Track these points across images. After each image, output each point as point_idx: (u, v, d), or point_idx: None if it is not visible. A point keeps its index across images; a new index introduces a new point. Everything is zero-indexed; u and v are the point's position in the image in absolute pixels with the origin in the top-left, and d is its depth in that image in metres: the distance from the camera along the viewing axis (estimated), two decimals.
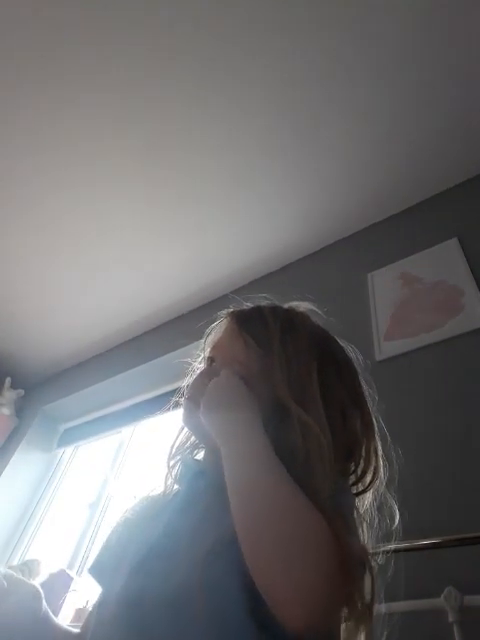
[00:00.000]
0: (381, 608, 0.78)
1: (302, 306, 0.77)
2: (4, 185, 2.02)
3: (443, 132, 1.64)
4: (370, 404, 0.66)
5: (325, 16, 1.42)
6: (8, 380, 2.87)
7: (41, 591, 0.59)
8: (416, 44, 1.45)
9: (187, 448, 0.68)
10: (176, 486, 0.64)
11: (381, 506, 0.61)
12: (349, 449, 0.59)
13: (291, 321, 0.68)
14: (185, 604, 0.44)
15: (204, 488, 0.57)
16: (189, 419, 0.62)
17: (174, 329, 2.44)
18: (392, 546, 0.86)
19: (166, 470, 0.65)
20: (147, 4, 1.44)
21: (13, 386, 2.87)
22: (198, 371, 0.68)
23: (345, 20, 1.42)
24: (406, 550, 0.85)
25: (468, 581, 0.82)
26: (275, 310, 0.71)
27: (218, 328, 0.73)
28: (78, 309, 2.58)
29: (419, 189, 1.80)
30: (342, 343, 0.72)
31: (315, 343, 0.65)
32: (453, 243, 1.54)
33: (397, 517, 0.61)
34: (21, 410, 2.86)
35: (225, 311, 0.76)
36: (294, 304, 0.77)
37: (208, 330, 0.76)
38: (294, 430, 0.52)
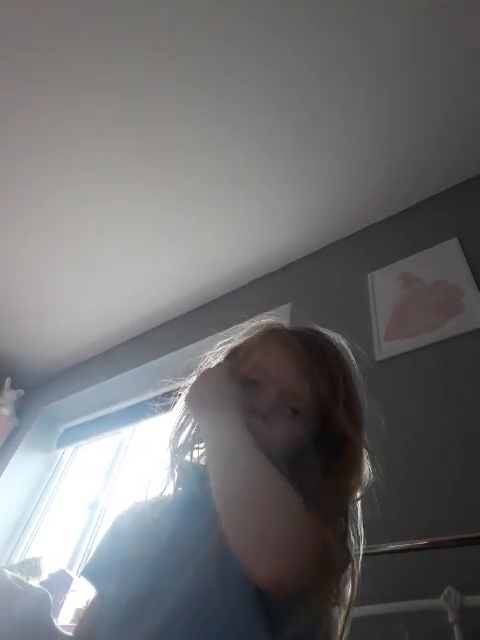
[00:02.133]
0: (381, 608, 0.78)
1: (266, 322, 0.75)
2: (4, 185, 2.02)
3: (443, 132, 1.64)
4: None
5: (325, 16, 1.42)
6: (8, 380, 2.87)
7: (50, 596, 0.60)
8: (416, 44, 1.45)
9: (188, 447, 0.66)
10: (179, 488, 0.64)
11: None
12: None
13: (338, 356, 0.69)
14: (202, 602, 0.46)
15: (208, 495, 0.56)
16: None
17: (174, 329, 2.44)
18: (392, 546, 0.86)
19: (168, 471, 0.64)
20: (147, 4, 1.44)
21: (13, 386, 2.87)
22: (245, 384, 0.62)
23: (345, 20, 1.42)
24: (406, 550, 0.85)
25: (468, 581, 0.82)
26: (326, 344, 0.69)
27: (270, 346, 0.66)
28: (78, 309, 2.58)
29: (419, 189, 1.80)
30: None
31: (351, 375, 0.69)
32: (453, 243, 1.54)
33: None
34: (21, 410, 2.86)
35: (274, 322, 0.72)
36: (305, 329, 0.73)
37: (249, 332, 0.71)
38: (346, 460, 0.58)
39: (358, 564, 0.55)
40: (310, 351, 0.64)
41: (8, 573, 0.53)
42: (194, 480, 0.61)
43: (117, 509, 0.68)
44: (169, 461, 0.64)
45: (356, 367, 0.70)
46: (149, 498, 0.64)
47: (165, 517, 0.58)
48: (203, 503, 0.55)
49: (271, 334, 0.70)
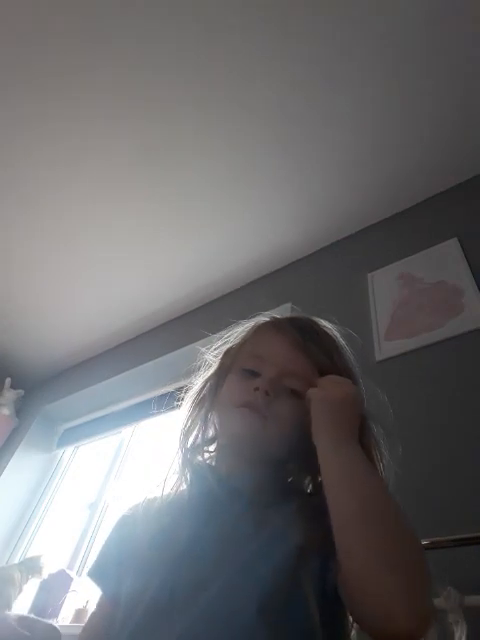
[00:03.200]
0: None
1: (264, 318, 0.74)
2: (4, 186, 2.02)
3: (443, 132, 1.64)
4: None
5: (326, 13, 1.42)
6: (8, 380, 2.87)
7: (59, 632, 0.58)
8: (417, 44, 1.45)
9: (199, 448, 0.64)
10: (183, 487, 0.62)
11: None
12: None
13: (330, 334, 0.70)
14: (227, 625, 0.44)
15: (228, 498, 0.56)
16: (253, 431, 0.57)
17: (174, 329, 2.44)
18: None
19: (180, 472, 0.62)
20: (146, 2, 1.44)
21: (13, 386, 2.87)
22: (260, 385, 0.59)
23: (347, 19, 1.42)
24: None
25: (468, 581, 0.82)
26: (316, 324, 0.70)
27: (290, 346, 0.63)
28: (78, 309, 2.58)
29: (419, 189, 1.80)
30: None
31: None
32: (453, 243, 1.54)
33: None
34: (21, 410, 2.86)
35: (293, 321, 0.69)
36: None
37: (261, 330, 0.69)
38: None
39: None
40: (302, 331, 0.64)
41: (11, 617, 0.52)
42: (214, 482, 0.57)
43: (120, 508, 0.65)
44: (180, 461, 0.62)
45: (352, 352, 0.71)
46: (157, 497, 0.61)
47: (180, 521, 0.56)
48: (222, 509, 0.54)
49: (263, 324, 0.70)
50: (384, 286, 1.61)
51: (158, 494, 0.61)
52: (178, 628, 0.44)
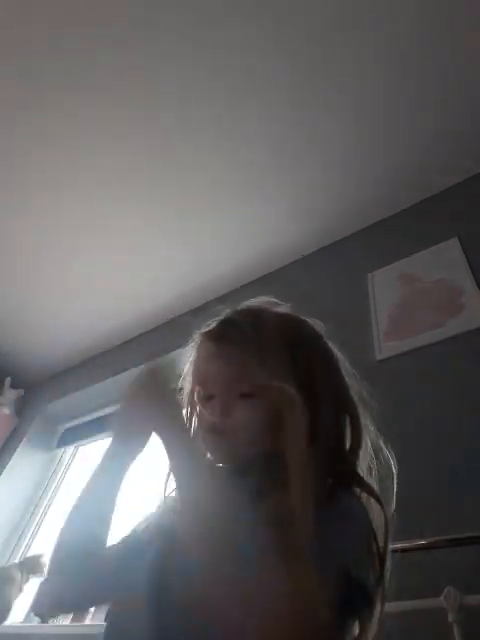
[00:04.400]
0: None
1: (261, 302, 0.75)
2: (4, 186, 2.02)
3: (443, 132, 1.64)
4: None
5: (328, 13, 1.42)
6: (8, 380, 2.87)
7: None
8: (417, 43, 1.45)
9: None
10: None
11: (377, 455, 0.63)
12: None
13: (282, 324, 0.67)
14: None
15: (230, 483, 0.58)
16: (222, 453, 0.60)
17: (174, 329, 2.44)
18: (392, 546, 0.86)
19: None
20: (146, 10, 1.44)
21: (13, 386, 2.87)
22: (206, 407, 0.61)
23: (347, 19, 1.42)
24: (406, 550, 0.85)
25: (468, 581, 0.82)
26: (264, 315, 0.68)
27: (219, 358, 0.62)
28: (78, 309, 2.58)
29: (419, 189, 1.80)
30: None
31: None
32: (453, 243, 1.54)
33: (394, 465, 0.63)
34: (21, 410, 2.86)
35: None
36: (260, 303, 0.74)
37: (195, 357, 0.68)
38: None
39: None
40: (234, 330, 0.62)
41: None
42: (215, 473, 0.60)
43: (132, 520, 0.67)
44: None
45: (324, 342, 0.68)
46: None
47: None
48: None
49: (199, 342, 0.69)
50: (384, 286, 1.61)
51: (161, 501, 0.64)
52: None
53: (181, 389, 0.69)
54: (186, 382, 0.69)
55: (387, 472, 0.62)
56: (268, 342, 0.60)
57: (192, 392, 0.67)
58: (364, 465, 0.60)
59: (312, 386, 0.58)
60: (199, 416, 0.64)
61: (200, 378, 0.65)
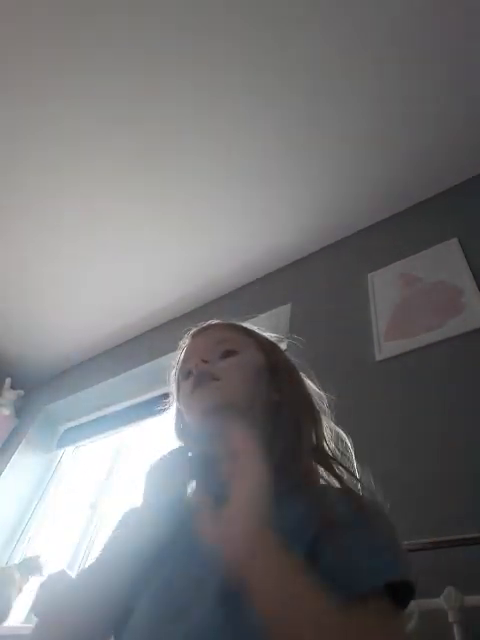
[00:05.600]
0: None
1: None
2: (5, 186, 2.02)
3: (443, 132, 1.64)
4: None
5: (331, 13, 1.42)
6: (8, 380, 2.87)
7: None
8: (417, 42, 1.45)
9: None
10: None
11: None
12: None
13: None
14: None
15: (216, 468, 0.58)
16: (211, 397, 0.61)
17: (174, 329, 2.43)
18: None
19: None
20: (147, 6, 1.44)
21: (13, 386, 2.87)
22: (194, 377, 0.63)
23: (348, 19, 1.42)
24: (406, 550, 0.85)
25: (468, 581, 0.82)
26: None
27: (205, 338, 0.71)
28: (78, 309, 2.58)
29: (419, 189, 1.80)
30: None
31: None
32: (453, 243, 1.54)
33: (349, 442, 0.66)
34: (21, 410, 2.86)
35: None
36: None
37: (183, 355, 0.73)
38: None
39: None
40: (216, 323, 0.74)
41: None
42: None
43: (124, 505, 0.67)
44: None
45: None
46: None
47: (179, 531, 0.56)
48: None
49: (183, 342, 0.76)
50: (384, 286, 1.61)
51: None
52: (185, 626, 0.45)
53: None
54: (174, 381, 0.73)
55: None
56: (241, 325, 0.73)
57: (178, 382, 0.70)
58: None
59: (278, 363, 0.68)
60: (184, 389, 0.65)
61: (182, 360, 0.70)
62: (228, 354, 0.64)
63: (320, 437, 0.62)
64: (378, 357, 1.39)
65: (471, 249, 1.47)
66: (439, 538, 0.87)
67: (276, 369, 0.66)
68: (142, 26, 1.49)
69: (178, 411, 0.70)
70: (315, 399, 0.67)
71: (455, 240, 1.54)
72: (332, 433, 0.65)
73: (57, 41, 1.55)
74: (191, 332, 0.75)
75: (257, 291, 2.18)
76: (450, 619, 0.77)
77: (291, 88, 1.59)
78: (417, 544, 0.87)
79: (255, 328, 0.75)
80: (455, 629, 0.76)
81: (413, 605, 0.80)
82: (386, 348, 1.40)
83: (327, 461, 0.60)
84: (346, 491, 0.55)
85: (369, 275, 1.68)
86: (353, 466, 0.63)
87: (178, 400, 0.69)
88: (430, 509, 0.99)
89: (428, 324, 1.37)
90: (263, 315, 1.88)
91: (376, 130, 1.67)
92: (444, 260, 1.52)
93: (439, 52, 1.46)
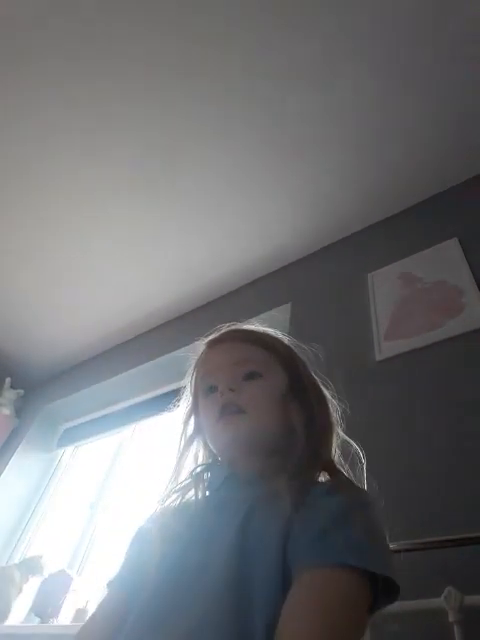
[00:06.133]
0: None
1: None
2: (6, 187, 2.02)
3: (443, 132, 1.64)
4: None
5: (325, 11, 1.42)
6: (8, 380, 2.87)
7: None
8: (416, 43, 1.45)
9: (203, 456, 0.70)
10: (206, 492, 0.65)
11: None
12: None
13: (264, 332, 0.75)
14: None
15: (235, 488, 0.60)
16: (237, 431, 0.61)
17: (174, 329, 2.44)
18: (392, 546, 0.86)
19: (191, 480, 0.65)
20: (146, 12, 1.44)
21: (13, 386, 2.87)
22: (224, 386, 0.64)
23: (347, 14, 1.42)
24: (406, 550, 0.85)
25: (468, 581, 0.82)
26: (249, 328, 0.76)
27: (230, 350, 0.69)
28: (78, 309, 2.58)
29: (419, 189, 1.80)
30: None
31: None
32: (453, 243, 1.53)
33: (361, 453, 0.67)
34: (21, 410, 2.86)
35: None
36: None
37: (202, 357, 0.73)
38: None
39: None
40: (227, 333, 0.72)
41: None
42: (222, 482, 0.63)
43: (139, 520, 0.67)
44: (191, 474, 0.66)
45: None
46: (170, 505, 0.64)
47: (197, 521, 0.58)
48: (232, 501, 0.57)
49: (202, 351, 0.74)
50: (384, 286, 1.60)
51: (171, 504, 0.64)
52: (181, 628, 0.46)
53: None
54: (190, 389, 0.72)
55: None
56: (263, 337, 0.70)
57: (196, 396, 0.69)
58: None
59: (301, 379, 0.67)
60: (207, 409, 0.65)
61: (204, 373, 0.68)
62: (252, 376, 0.64)
63: (332, 449, 0.64)
64: (378, 357, 1.39)
65: (471, 249, 1.47)
66: (439, 538, 0.87)
67: (299, 387, 0.66)
68: (139, 31, 1.49)
69: (194, 411, 0.71)
70: (331, 411, 0.67)
71: (455, 240, 1.54)
72: (339, 440, 0.66)
73: (63, 46, 1.55)
74: (209, 340, 0.73)
75: (257, 291, 2.17)
76: (450, 619, 0.77)
77: (291, 87, 1.59)
78: (417, 544, 0.87)
79: (270, 331, 0.74)
80: (455, 630, 0.76)
81: (413, 605, 0.80)
82: (386, 348, 1.40)
83: (335, 471, 0.61)
84: (340, 486, 0.56)
85: (369, 275, 1.68)
86: (363, 477, 0.64)
87: (196, 406, 0.70)
88: (430, 509, 0.99)
89: (428, 324, 1.37)
90: (263, 315, 1.88)
91: (376, 130, 1.67)
92: (444, 260, 1.52)
93: (438, 50, 1.45)
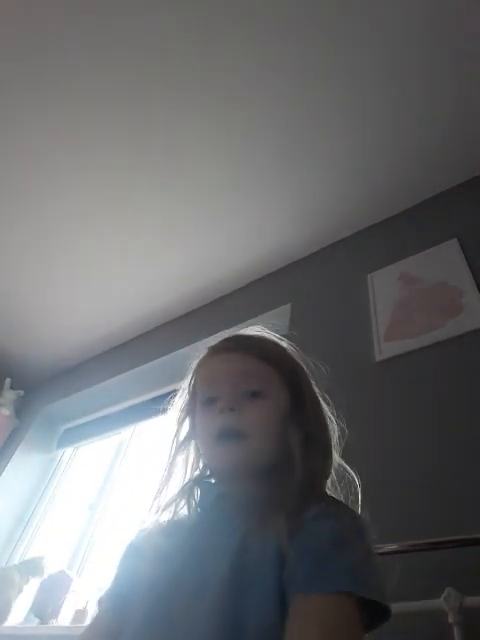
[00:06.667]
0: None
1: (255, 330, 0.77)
2: (6, 187, 2.02)
3: (443, 132, 1.64)
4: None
5: (327, 14, 1.42)
6: (8, 381, 2.87)
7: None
8: (417, 44, 1.45)
9: (195, 473, 0.68)
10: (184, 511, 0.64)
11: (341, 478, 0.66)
12: None
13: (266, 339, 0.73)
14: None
15: (229, 509, 0.59)
16: (238, 459, 0.60)
17: (174, 329, 2.44)
18: (392, 547, 0.86)
19: (182, 496, 0.64)
20: (146, 11, 1.44)
21: (13, 387, 2.87)
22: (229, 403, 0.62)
23: (348, 20, 1.42)
24: (406, 551, 0.85)
25: (468, 581, 0.82)
26: (250, 334, 0.74)
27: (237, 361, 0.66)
28: (78, 309, 2.58)
29: (419, 189, 1.80)
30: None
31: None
32: (453, 243, 1.53)
33: (357, 480, 0.66)
34: (21, 411, 2.86)
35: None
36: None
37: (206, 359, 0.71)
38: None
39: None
40: (231, 341, 0.69)
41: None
42: (214, 500, 0.62)
43: (128, 538, 0.66)
44: (181, 489, 0.65)
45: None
46: (161, 523, 0.64)
47: (189, 539, 0.58)
48: (225, 520, 0.58)
49: (202, 357, 0.72)
50: (384, 286, 1.60)
51: (161, 519, 0.64)
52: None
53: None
54: (186, 395, 0.71)
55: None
56: (269, 350, 0.67)
57: (193, 404, 0.68)
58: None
59: (303, 398, 0.65)
60: (205, 423, 0.63)
61: (205, 381, 0.66)
62: (255, 396, 0.61)
63: (328, 480, 0.63)
64: (378, 357, 1.39)
65: (471, 249, 1.47)
66: (439, 538, 0.87)
67: (300, 407, 0.64)
68: (141, 25, 1.49)
69: (190, 413, 0.70)
70: (331, 434, 0.66)
71: (455, 240, 1.54)
72: (335, 464, 0.65)
73: (63, 41, 1.56)
74: (211, 347, 0.70)
75: (257, 291, 2.18)
76: (450, 620, 0.77)
77: (290, 87, 1.59)
78: (417, 544, 0.87)
79: (275, 340, 0.72)
80: (455, 630, 0.76)
81: (413, 606, 0.80)
82: (386, 348, 1.40)
83: (326, 495, 0.61)
84: (333, 509, 0.55)
85: (369, 275, 1.68)
86: (357, 501, 0.64)
87: (193, 409, 0.69)
88: (430, 509, 0.99)
89: (428, 324, 1.37)
90: (263, 315, 1.88)
91: (376, 131, 1.67)
92: (444, 260, 1.52)
93: (437, 50, 1.45)
